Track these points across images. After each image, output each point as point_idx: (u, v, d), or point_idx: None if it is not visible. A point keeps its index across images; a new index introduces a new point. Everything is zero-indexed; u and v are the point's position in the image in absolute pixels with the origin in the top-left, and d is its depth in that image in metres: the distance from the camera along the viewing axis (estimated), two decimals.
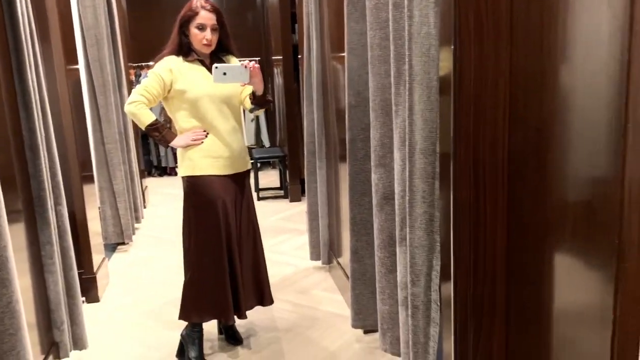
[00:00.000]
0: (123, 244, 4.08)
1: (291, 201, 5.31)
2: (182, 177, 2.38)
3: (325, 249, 3.30)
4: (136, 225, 4.44)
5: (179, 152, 2.40)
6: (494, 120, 1.21)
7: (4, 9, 1.95)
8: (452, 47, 1.21)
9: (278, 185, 5.97)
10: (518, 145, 1.24)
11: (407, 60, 1.54)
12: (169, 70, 2.29)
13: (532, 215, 1.21)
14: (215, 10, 2.31)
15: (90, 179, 3.29)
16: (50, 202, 2.16)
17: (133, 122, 3.30)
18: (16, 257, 1.75)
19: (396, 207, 1.80)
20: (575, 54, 0.98)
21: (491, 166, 1.30)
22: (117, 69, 4.04)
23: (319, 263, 3.39)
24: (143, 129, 2.34)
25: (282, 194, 5.56)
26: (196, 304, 2.36)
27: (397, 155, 1.76)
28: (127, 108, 2.31)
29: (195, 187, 2.34)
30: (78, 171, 2.97)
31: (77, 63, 3.17)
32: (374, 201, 2.05)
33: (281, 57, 5.18)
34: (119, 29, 4.17)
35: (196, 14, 2.28)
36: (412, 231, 1.62)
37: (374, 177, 2.02)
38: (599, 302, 0.96)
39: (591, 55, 0.94)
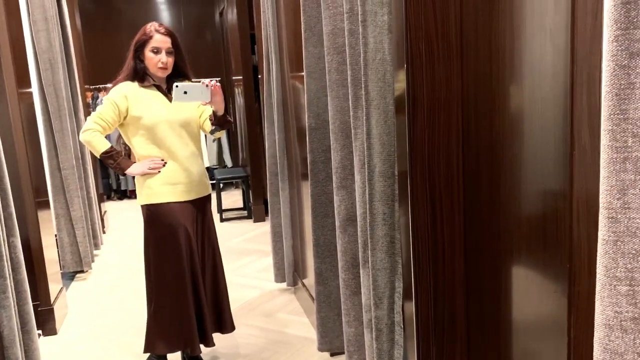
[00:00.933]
0: (82, 272, 3.96)
1: (255, 221, 5.27)
2: (142, 206, 2.34)
3: (290, 271, 3.28)
4: (95, 251, 4.32)
5: (137, 179, 2.36)
6: (447, 142, 1.24)
7: None
8: (405, 72, 1.23)
9: (241, 205, 5.93)
10: (472, 166, 1.27)
11: (363, 85, 1.56)
12: (124, 96, 2.26)
13: (488, 232, 1.24)
14: (169, 33, 2.30)
15: (45, 205, 3.20)
16: (2, 235, 2.08)
17: None
18: None
19: (358, 229, 1.81)
20: (523, 80, 1.01)
21: (446, 186, 1.33)
22: (72, 93, 3.96)
23: (284, 285, 3.37)
24: (98, 156, 2.30)
25: (246, 215, 5.52)
26: (161, 335, 2.31)
27: (357, 177, 1.78)
28: (81, 136, 2.28)
29: (155, 216, 2.31)
30: (32, 198, 2.87)
31: (30, 87, 3.09)
32: (337, 223, 2.05)
33: (241, 77, 5.18)
34: (74, 52, 4.09)
35: (150, 37, 2.27)
36: (373, 254, 1.63)
37: (336, 199, 2.03)
38: (555, 316, 0.99)
39: (538, 83, 0.97)
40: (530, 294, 1.10)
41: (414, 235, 1.29)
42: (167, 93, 2.32)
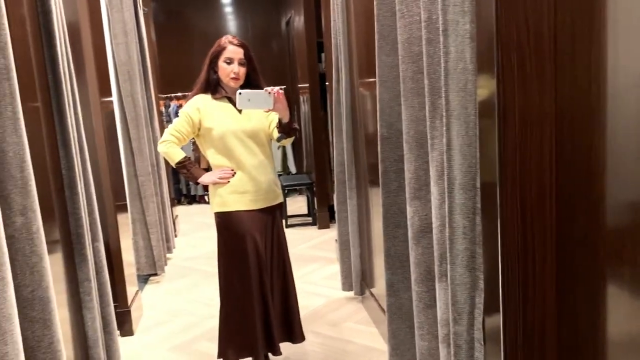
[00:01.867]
0: (155, 274, 4.10)
1: (319, 228, 5.29)
2: (214, 213, 2.43)
3: (357, 280, 3.27)
4: (168, 255, 4.47)
5: (210, 188, 2.44)
6: (540, 158, 1.19)
7: (45, 51, 2.01)
8: (496, 84, 1.19)
9: (306, 212, 5.98)
10: (566, 183, 1.21)
11: (443, 95, 1.53)
12: (197, 109, 2.36)
13: (583, 250, 1.18)
14: (242, 45, 2.38)
15: (123, 209, 3.34)
16: (88, 239, 2.19)
17: None
18: (56, 295, 1.77)
19: (434, 241, 1.78)
20: (628, 98, 0.96)
21: (539, 203, 1.27)
22: (148, 103, 4.13)
23: (351, 294, 3.36)
24: (173, 165, 2.42)
25: (310, 221, 5.56)
26: (230, 342, 2.37)
27: (434, 189, 1.74)
28: (159, 147, 2.43)
29: (224, 223, 2.40)
30: (112, 203, 3.01)
31: (110, 96, 3.24)
32: (410, 234, 2.02)
33: (308, 84, 5.22)
34: (150, 64, 4.27)
35: (224, 48, 2.36)
36: (453, 268, 1.59)
37: (409, 210, 2.00)
38: None
39: None
40: (630, 313, 1.04)
41: (503, 251, 1.24)
42: None
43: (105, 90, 3.08)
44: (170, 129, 2.39)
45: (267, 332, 2.40)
